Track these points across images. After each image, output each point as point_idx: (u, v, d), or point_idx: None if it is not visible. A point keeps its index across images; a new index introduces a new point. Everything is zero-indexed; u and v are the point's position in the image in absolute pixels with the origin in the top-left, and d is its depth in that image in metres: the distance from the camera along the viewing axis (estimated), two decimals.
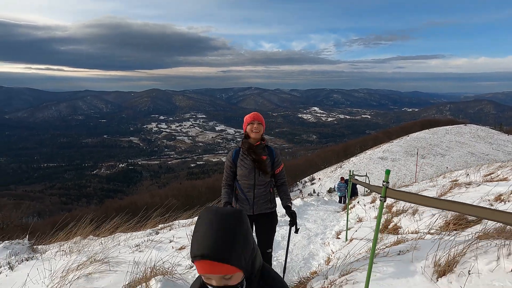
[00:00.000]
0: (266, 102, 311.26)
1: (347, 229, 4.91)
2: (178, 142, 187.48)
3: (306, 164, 67.23)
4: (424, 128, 68.23)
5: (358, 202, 7.75)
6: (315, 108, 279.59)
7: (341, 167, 49.38)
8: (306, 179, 49.56)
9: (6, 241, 4.81)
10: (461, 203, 1.74)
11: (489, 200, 4.05)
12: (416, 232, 3.62)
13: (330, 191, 13.51)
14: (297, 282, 3.36)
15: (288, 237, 3.02)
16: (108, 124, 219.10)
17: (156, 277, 2.79)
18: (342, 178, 13.86)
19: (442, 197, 4.83)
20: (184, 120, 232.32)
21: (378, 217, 2.27)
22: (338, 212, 8.14)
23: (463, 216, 3.36)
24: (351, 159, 54.58)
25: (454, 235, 2.88)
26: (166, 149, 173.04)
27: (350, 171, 4.27)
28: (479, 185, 5.20)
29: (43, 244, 5.44)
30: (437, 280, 2.20)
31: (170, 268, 3.07)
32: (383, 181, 2.13)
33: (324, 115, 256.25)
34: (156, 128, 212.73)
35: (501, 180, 5.43)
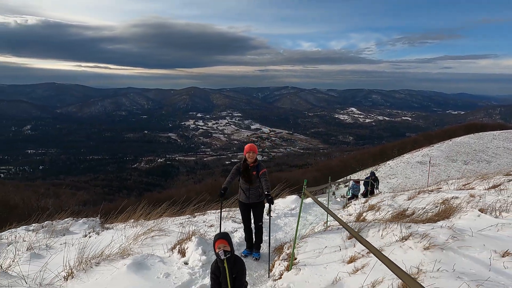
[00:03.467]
0: (302, 101, 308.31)
1: (327, 220, 6.55)
2: (214, 139, 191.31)
3: (341, 166, 66.06)
4: (469, 132, 64.44)
5: (354, 204, 9.11)
6: (353, 108, 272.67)
7: (376, 170, 48.03)
8: (340, 181, 48.73)
9: (84, 218, 7.09)
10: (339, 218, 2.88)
11: (435, 202, 5.66)
12: (364, 220, 5.43)
13: (343, 196, 13.50)
14: (280, 244, 5.30)
15: (269, 216, 4.72)
16: (149, 120, 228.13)
17: (194, 236, 4.97)
18: (357, 181, 13.87)
19: (411, 200, 6.89)
20: (221, 118, 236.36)
21: (300, 210, 4.85)
22: (338, 210, 9.37)
23: (403, 212, 5.18)
24: (388, 162, 52.88)
25: (379, 221, 4.57)
26: (202, 146, 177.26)
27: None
28: (439, 192, 6.88)
29: (108, 223, 7.80)
30: (347, 240, 4.01)
31: (203, 234, 5.38)
32: (304, 185, 4.22)
33: (361, 116, 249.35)
34: (194, 125, 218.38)
35: (468, 189, 6.96)
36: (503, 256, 2.66)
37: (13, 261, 5.30)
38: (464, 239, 3.02)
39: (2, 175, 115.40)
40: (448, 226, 3.37)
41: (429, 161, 37.10)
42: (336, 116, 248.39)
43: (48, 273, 4.62)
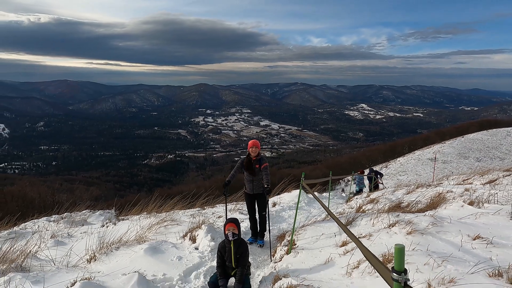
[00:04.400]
0: (311, 98, 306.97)
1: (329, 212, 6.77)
2: (223, 136, 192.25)
3: (350, 162, 65.98)
4: (482, 129, 63.54)
5: (357, 198, 9.48)
6: (363, 105, 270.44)
7: (386, 167, 47.97)
8: (350, 177, 48.81)
9: (100, 210, 7.63)
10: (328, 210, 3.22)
11: (430, 195, 5.94)
12: (364, 211, 5.91)
13: (351, 193, 13.67)
14: (282, 232, 5.80)
15: (267, 206, 5.21)
16: (159, 116, 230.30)
17: (204, 224, 5.46)
18: (361, 171, 13.94)
19: (409, 194, 7.27)
20: (230, 115, 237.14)
21: (297, 201, 5.80)
22: (341, 203, 9.82)
23: (399, 204, 5.59)
24: (398, 159, 52.70)
25: (372, 211, 5.15)
26: (211, 142, 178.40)
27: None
28: (436, 186, 7.18)
29: (123, 215, 8.39)
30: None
31: (212, 223, 5.96)
32: (302, 177, 4.88)
33: (372, 113, 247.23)
34: (203, 122, 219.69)
35: (466, 184, 7.31)
36: (474, 239, 3.03)
37: (39, 247, 5.84)
38: (443, 225, 3.39)
39: (16, 171, 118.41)
40: (430, 215, 3.75)
41: (435, 158, 36.94)
42: (346, 112, 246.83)
43: (72, 257, 5.14)
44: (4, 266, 4.29)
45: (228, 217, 5.44)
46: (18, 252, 4.99)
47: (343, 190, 37.15)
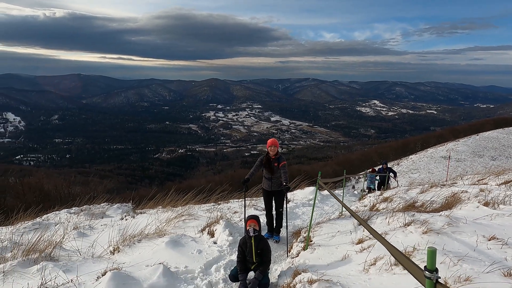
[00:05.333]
0: (323, 93, 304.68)
1: (342, 210, 7.12)
2: (233, 131, 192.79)
3: (362, 159, 65.58)
4: (498, 127, 62.26)
5: (370, 197, 9.54)
6: (375, 101, 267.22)
7: (398, 164, 47.53)
8: (361, 174, 48.56)
9: (118, 203, 7.82)
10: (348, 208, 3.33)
11: (445, 195, 5.99)
12: (378, 210, 6.04)
13: (363, 190, 13.56)
14: (297, 229, 5.86)
15: (286, 203, 5.33)
16: (170, 111, 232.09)
17: (222, 219, 5.68)
18: (373, 170, 13.82)
19: (423, 193, 7.30)
20: (241, 110, 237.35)
21: (314, 199, 5.62)
22: (354, 201, 9.92)
23: (413, 203, 5.64)
24: (410, 156, 52.13)
25: (387, 210, 5.22)
26: (222, 137, 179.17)
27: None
28: (451, 186, 7.19)
29: (139, 209, 8.56)
30: (357, 226, 4.58)
31: (229, 218, 6.22)
32: (318, 177, 5.01)
33: (384, 109, 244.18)
34: (214, 117, 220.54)
35: (481, 184, 7.26)
36: (489, 240, 3.11)
37: (64, 238, 6.12)
38: (458, 225, 3.47)
39: (32, 163, 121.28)
40: (446, 215, 3.83)
41: (449, 156, 36.38)
42: (358, 108, 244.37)
43: (96, 248, 5.40)
44: (36, 255, 4.55)
45: (244, 212, 5.61)
46: (46, 242, 5.26)
47: (353, 187, 37.13)
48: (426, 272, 1.56)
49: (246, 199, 9.11)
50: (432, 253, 1.59)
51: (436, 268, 1.57)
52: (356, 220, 4.66)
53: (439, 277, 1.56)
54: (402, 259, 1.85)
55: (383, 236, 3.63)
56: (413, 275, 1.71)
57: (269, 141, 5.36)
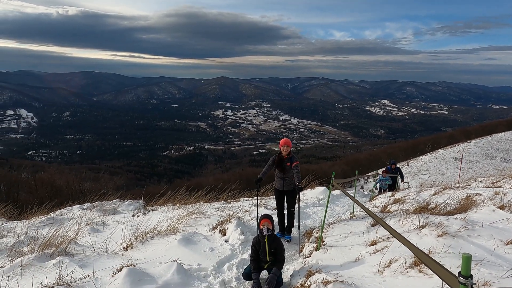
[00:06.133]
0: (332, 93, 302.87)
1: (353, 210, 7.19)
2: (242, 129, 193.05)
3: (370, 159, 65.15)
4: (511, 128, 61.26)
5: (381, 198, 9.42)
6: (385, 101, 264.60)
7: (408, 165, 47.05)
8: (370, 174, 48.22)
9: (129, 200, 7.89)
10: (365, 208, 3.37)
11: (458, 198, 5.80)
12: (389, 211, 6.02)
13: (371, 190, 13.34)
14: (308, 229, 5.92)
15: (298, 202, 5.37)
16: (179, 109, 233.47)
17: (234, 218, 5.74)
18: (385, 171, 13.44)
19: (435, 195, 7.08)
20: (249, 108, 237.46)
21: (327, 199, 5.49)
22: (364, 202, 9.73)
23: (426, 205, 5.59)
24: (420, 157, 51.55)
25: (400, 212, 5.15)
26: (230, 136, 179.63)
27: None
28: (464, 188, 7.16)
29: (150, 206, 8.60)
30: (370, 227, 4.60)
31: (241, 217, 6.18)
32: (332, 177, 4.98)
33: (394, 109, 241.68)
34: (223, 115, 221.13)
35: (495, 187, 7.08)
36: (506, 244, 3.07)
37: (77, 234, 6.22)
38: (474, 229, 3.44)
39: (43, 158, 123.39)
40: (461, 218, 3.79)
41: (461, 158, 35.84)
42: (368, 108, 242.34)
43: (109, 244, 5.48)
44: (52, 250, 4.64)
45: (255, 212, 5.64)
46: (61, 237, 5.36)
47: (362, 188, 36.89)
48: (461, 278, 1.57)
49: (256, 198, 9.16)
50: (467, 259, 1.58)
51: (471, 274, 1.57)
52: (368, 222, 4.65)
53: (475, 284, 1.57)
54: (429, 262, 1.84)
55: None
56: (441, 278, 1.71)
57: (282, 140, 5.37)
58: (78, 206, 9.82)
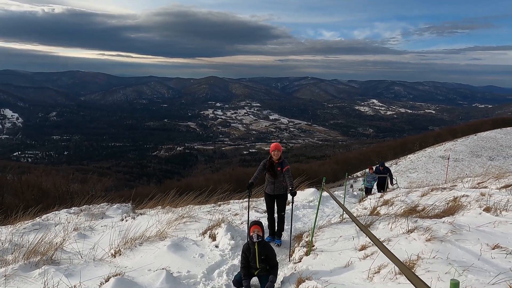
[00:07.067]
0: (322, 92, 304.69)
1: (343, 213, 6.99)
2: (232, 129, 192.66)
3: (360, 159, 65.78)
4: (496, 127, 62.62)
5: (370, 199, 9.36)
6: (374, 100, 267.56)
7: (396, 163, 47.68)
8: (359, 173, 48.71)
9: (118, 204, 7.80)
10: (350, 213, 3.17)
11: (446, 199, 5.97)
12: (378, 213, 6.03)
13: (361, 189, 13.37)
14: (298, 233, 5.84)
15: (291, 207, 5.49)
16: (169, 108, 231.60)
17: (224, 223, 5.66)
18: (370, 168, 13.12)
19: (424, 197, 7.16)
20: (239, 108, 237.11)
21: (318, 205, 5.64)
22: (354, 203, 9.85)
23: (415, 207, 5.59)
24: (408, 156, 52.35)
25: (389, 215, 5.08)
26: (220, 135, 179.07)
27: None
28: (451, 190, 7.14)
29: (138, 209, 8.47)
30: (360, 231, 4.27)
31: (230, 221, 6.11)
32: (323, 182, 5.14)
33: (383, 108, 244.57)
34: (212, 115, 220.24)
35: (481, 188, 7.14)
36: (493, 249, 3.12)
37: (64, 240, 6.10)
38: (462, 233, 3.48)
39: (29, 160, 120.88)
40: (449, 222, 3.83)
41: (448, 157, 36.49)
42: (357, 107, 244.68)
43: (97, 250, 5.38)
44: (37, 259, 4.53)
45: (245, 215, 5.61)
46: (47, 244, 5.24)
47: (351, 186, 37.24)
48: None
49: (246, 201, 9.13)
50: (455, 286, 1.55)
51: None
52: None
53: None
54: (406, 271, 1.84)
55: (386, 243, 3.64)
56: None
57: (272, 145, 5.35)
58: (65, 210, 9.61)
